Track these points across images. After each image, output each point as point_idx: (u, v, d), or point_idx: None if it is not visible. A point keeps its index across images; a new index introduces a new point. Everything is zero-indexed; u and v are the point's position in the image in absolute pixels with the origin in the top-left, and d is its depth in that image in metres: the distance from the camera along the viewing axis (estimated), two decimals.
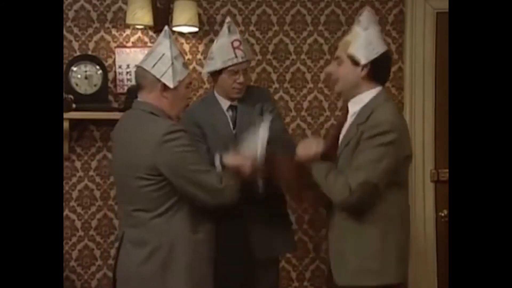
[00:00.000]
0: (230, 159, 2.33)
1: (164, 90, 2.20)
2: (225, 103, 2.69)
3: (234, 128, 2.66)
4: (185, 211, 2.18)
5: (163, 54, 2.21)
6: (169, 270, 2.15)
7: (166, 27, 2.33)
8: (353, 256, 2.12)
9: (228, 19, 2.73)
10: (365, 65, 2.14)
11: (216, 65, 2.61)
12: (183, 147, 2.14)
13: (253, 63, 3.34)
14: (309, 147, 2.23)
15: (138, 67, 2.27)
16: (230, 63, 2.58)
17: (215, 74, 2.65)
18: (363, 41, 2.15)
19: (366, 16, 2.20)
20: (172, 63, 2.19)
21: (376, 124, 2.07)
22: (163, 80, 2.19)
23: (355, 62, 2.15)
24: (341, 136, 2.23)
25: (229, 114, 2.69)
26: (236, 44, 2.61)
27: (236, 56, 2.59)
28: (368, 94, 2.17)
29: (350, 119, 2.21)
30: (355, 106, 2.19)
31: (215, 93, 2.72)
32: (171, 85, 2.19)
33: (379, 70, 2.17)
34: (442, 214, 3.30)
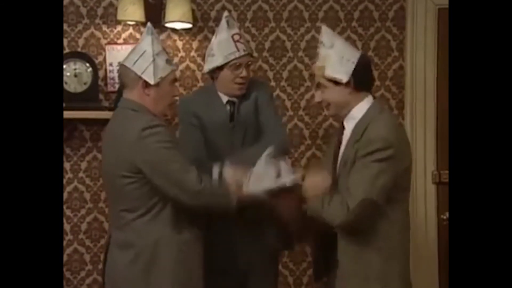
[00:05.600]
0: (230, 173, 2.23)
1: (145, 87, 2.16)
2: (224, 98, 2.62)
3: (231, 121, 2.60)
4: (168, 210, 2.13)
5: (145, 51, 2.17)
6: (154, 272, 2.11)
7: (148, 24, 2.29)
8: (355, 279, 2.04)
9: (226, 13, 2.66)
10: (348, 81, 2.09)
11: (217, 61, 2.54)
12: (161, 143, 2.08)
13: None
14: (317, 185, 2.10)
15: (121, 65, 2.25)
16: (232, 57, 2.52)
17: (216, 72, 2.57)
18: (335, 59, 2.10)
19: (325, 34, 2.17)
20: (154, 60, 2.15)
21: (370, 141, 2.01)
22: (144, 76, 2.15)
23: (337, 83, 2.10)
24: (339, 156, 2.16)
25: (227, 108, 2.62)
26: (236, 37, 2.55)
27: (238, 50, 2.53)
28: (360, 108, 2.12)
29: (346, 137, 2.15)
30: (349, 123, 2.14)
31: (216, 89, 2.64)
32: (151, 82, 2.15)
33: (361, 78, 2.12)
34: (444, 217, 3.22)
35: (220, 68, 2.54)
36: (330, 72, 2.09)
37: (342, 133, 2.18)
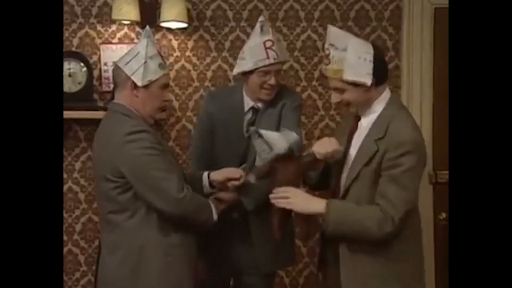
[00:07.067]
0: (218, 174, 2.35)
1: (134, 88, 2.16)
2: (248, 103, 2.60)
3: (247, 130, 2.57)
4: (155, 214, 2.11)
5: (138, 53, 2.18)
6: (140, 275, 2.10)
7: (147, 27, 2.29)
8: (374, 279, 2.02)
9: (261, 18, 2.62)
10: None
11: (247, 65, 2.52)
12: (143, 150, 2.07)
13: None
14: (326, 145, 2.08)
15: (115, 64, 2.26)
16: (261, 64, 2.49)
17: (245, 74, 2.56)
18: (352, 61, 1.99)
19: (335, 35, 2.06)
20: (145, 62, 2.15)
21: (399, 143, 1.96)
22: (133, 78, 2.15)
23: (358, 84, 2.02)
24: (352, 148, 2.12)
25: (248, 116, 2.59)
26: (268, 44, 2.51)
27: (268, 57, 2.49)
28: (379, 103, 2.07)
29: (363, 130, 2.10)
30: (368, 117, 2.09)
31: (244, 91, 2.62)
32: (139, 83, 2.15)
33: (380, 73, 2.05)
34: (441, 217, 3.22)
35: (249, 72, 2.52)
36: (350, 76, 2.00)
37: (356, 126, 2.13)
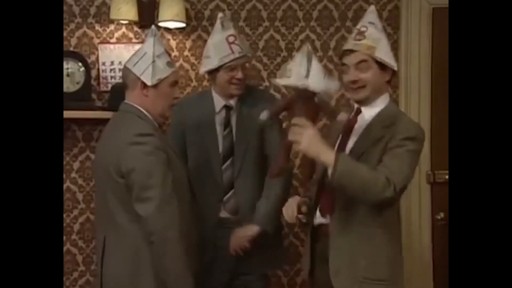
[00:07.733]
0: None
1: (144, 88, 2.18)
2: (219, 103, 2.60)
3: (225, 129, 2.58)
4: None
5: (145, 53, 2.19)
6: (141, 275, 2.10)
7: (153, 26, 2.30)
8: (364, 261, 2.04)
9: (220, 14, 2.64)
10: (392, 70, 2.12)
11: (213, 63, 2.52)
12: (145, 155, 2.07)
13: None
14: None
15: (124, 66, 2.27)
16: (227, 60, 2.50)
17: (212, 73, 2.56)
18: (385, 44, 2.12)
19: (375, 16, 2.17)
20: (153, 61, 2.17)
21: (406, 129, 2.03)
22: (142, 78, 2.17)
23: (383, 67, 2.09)
24: (350, 140, 2.14)
25: (221, 115, 2.59)
26: (231, 39, 2.52)
27: (232, 52, 2.51)
28: (383, 99, 2.14)
29: (364, 122, 2.13)
30: (371, 110, 2.13)
31: (212, 91, 2.63)
32: (149, 83, 2.16)
33: (394, 73, 2.17)
34: (439, 217, 3.22)
35: (216, 69, 2.53)
36: (382, 55, 2.08)
37: (355, 119, 2.16)
